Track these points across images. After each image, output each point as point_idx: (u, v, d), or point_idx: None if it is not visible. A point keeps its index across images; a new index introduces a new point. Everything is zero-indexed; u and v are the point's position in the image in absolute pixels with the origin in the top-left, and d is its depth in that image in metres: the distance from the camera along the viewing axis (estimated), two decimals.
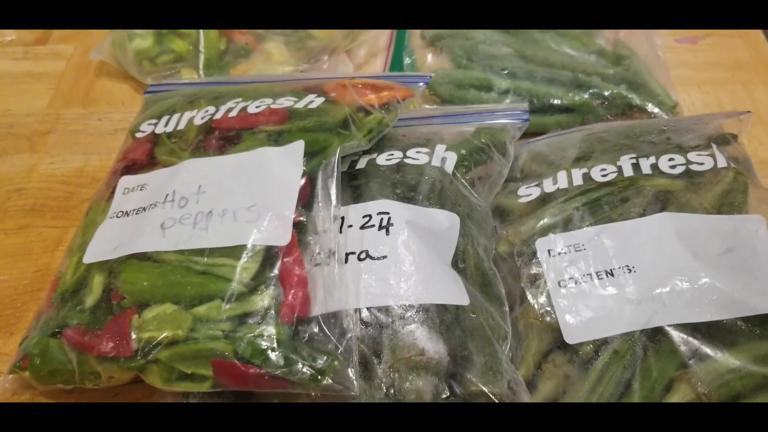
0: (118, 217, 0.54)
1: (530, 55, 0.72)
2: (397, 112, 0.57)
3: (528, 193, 0.55)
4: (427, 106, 0.70)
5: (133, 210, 0.53)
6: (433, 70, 0.74)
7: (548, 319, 0.48)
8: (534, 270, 0.50)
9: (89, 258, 0.52)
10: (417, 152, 0.54)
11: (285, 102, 0.55)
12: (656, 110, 0.69)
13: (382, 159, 0.54)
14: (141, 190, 0.55)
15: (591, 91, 0.69)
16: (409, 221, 0.49)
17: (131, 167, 0.58)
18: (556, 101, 0.69)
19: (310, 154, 0.51)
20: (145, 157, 0.58)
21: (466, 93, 0.71)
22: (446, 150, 0.55)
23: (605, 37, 0.76)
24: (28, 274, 0.60)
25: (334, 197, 0.49)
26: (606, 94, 0.69)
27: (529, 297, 0.49)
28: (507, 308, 0.50)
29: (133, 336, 0.45)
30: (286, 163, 0.51)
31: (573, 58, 0.72)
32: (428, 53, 0.77)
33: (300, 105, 0.55)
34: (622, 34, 0.76)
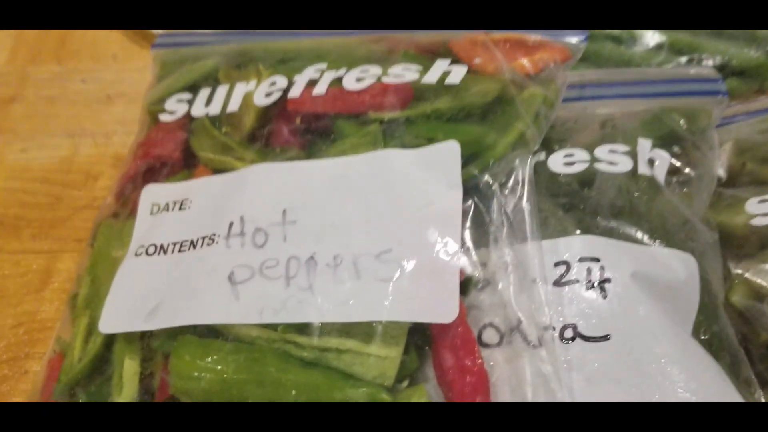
0: (148, 254, 0.34)
1: None
2: (558, 84, 0.38)
3: (764, 210, 0.37)
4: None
5: (175, 244, 0.34)
6: None
7: None
8: None
9: (108, 325, 0.33)
10: (611, 152, 0.36)
11: (405, 73, 0.36)
12: None
13: (556, 161, 0.35)
14: (181, 209, 0.36)
15: None
16: (635, 274, 0.31)
17: (158, 169, 0.38)
18: (725, 60, 0.51)
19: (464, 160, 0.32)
20: (177, 152, 0.38)
21: (601, 47, 0.52)
22: (653, 147, 0.36)
23: None
24: (2, 331, 0.40)
25: (528, 232, 0.30)
26: None
27: None
28: (760, 393, 0.33)
29: None
30: (430, 178, 0.32)
31: None
32: None
33: (431, 78, 0.35)
34: None
